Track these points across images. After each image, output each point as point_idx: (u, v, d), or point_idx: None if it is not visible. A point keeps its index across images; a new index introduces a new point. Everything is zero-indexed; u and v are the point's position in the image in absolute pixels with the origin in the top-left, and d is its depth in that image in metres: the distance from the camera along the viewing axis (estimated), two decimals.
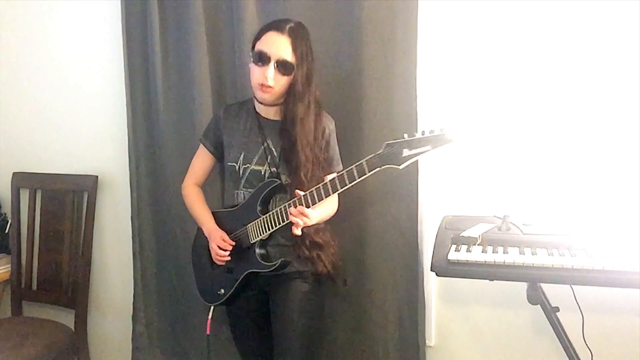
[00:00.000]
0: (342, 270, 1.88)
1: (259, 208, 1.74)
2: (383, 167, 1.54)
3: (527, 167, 1.92)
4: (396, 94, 1.94)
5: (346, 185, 1.58)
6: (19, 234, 2.49)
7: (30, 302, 2.51)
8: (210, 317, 1.87)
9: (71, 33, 2.42)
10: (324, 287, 1.83)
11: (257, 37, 1.72)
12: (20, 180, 2.51)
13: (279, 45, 1.66)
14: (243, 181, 1.79)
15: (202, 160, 1.95)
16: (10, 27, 2.52)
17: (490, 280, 1.57)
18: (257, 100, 1.79)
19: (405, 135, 1.52)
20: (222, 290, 1.82)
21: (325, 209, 1.76)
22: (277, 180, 1.73)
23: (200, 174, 1.96)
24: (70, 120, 2.48)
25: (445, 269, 1.55)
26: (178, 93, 2.19)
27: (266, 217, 1.71)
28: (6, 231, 2.52)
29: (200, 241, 1.90)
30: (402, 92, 1.94)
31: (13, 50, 2.53)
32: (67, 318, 2.39)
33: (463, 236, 1.64)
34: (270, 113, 1.79)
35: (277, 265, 1.71)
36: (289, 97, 1.71)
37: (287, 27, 1.68)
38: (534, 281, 1.61)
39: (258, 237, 1.74)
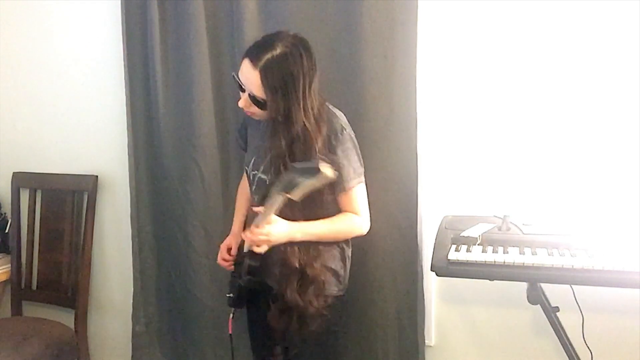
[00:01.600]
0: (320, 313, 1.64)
1: None
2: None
3: (527, 167, 1.92)
4: (396, 94, 1.94)
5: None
6: (19, 234, 2.49)
7: (30, 302, 2.51)
8: (231, 317, 1.77)
9: (71, 33, 2.42)
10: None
11: (244, 55, 1.58)
12: (20, 180, 2.51)
13: (249, 79, 1.54)
14: (254, 187, 1.74)
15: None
16: (10, 27, 2.52)
17: (490, 280, 1.57)
18: None
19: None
20: (230, 294, 1.77)
21: (326, 225, 1.62)
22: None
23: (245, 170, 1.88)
24: (70, 120, 2.48)
25: (445, 269, 1.55)
26: (178, 93, 2.19)
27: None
28: (6, 231, 2.52)
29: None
30: (402, 92, 1.93)
31: (13, 50, 2.53)
32: (67, 318, 2.39)
33: (463, 236, 1.64)
34: None
35: (229, 298, 1.66)
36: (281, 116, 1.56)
37: (265, 58, 1.50)
38: (534, 281, 1.62)
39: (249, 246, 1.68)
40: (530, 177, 1.92)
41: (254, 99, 1.57)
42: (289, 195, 1.40)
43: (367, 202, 1.70)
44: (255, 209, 1.55)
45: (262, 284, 1.70)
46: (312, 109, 1.56)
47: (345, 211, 1.66)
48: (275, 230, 1.54)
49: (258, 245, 1.56)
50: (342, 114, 1.70)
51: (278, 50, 1.51)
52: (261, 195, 1.61)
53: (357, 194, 1.67)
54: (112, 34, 2.30)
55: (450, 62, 1.96)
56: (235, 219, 1.92)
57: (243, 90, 1.59)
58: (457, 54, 1.95)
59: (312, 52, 1.56)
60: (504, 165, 1.95)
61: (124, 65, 2.26)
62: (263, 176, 1.68)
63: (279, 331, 1.64)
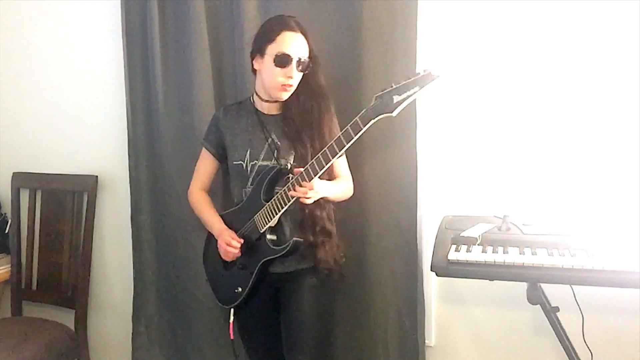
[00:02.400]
0: (343, 266, 1.85)
1: (263, 197, 1.74)
2: (377, 118, 1.57)
3: (527, 167, 1.92)
4: None
5: (344, 146, 1.60)
6: (19, 234, 2.49)
7: (30, 302, 2.51)
8: (232, 320, 1.85)
9: (71, 33, 2.42)
10: (332, 282, 1.83)
11: (269, 39, 1.71)
12: (20, 180, 2.51)
13: (298, 45, 1.71)
14: (251, 179, 1.79)
15: (205, 164, 1.94)
16: (10, 27, 2.52)
17: (490, 280, 1.57)
18: (259, 97, 1.80)
19: (392, 84, 1.55)
20: (240, 289, 1.82)
21: (339, 185, 1.80)
22: (275, 165, 1.74)
23: (205, 177, 1.95)
24: (70, 120, 2.48)
25: (445, 269, 1.55)
26: (178, 93, 2.19)
27: (270, 202, 1.71)
28: (6, 231, 2.52)
29: (211, 247, 1.90)
30: None
31: (13, 50, 2.53)
32: (67, 318, 2.39)
33: (463, 236, 1.64)
34: (271, 109, 1.81)
35: (289, 246, 1.70)
36: (303, 90, 1.76)
37: (294, 23, 1.72)
38: (534, 281, 1.61)
39: (266, 224, 1.74)
40: (530, 177, 1.92)
41: (302, 64, 1.71)
42: (389, 115, 1.55)
43: None
44: (297, 170, 1.66)
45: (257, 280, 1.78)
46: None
47: (339, 175, 1.83)
48: (320, 186, 1.67)
49: (308, 198, 1.64)
50: None
51: (292, 16, 1.75)
52: (268, 179, 1.74)
53: (345, 160, 1.85)
54: (112, 34, 2.30)
55: (451, 62, 1.96)
56: (213, 219, 1.88)
57: (287, 65, 1.70)
58: (457, 54, 1.95)
59: None
60: (503, 166, 1.95)
61: (124, 65, 2.26)
62: (265, 163, 1.77)
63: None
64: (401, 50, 1.92)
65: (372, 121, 1.57)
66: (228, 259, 1.82)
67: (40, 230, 2.47)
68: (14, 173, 2.52)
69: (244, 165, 1.79)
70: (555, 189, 1.89)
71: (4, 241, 2.52)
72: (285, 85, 1.71)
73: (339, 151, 1.60)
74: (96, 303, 2.54)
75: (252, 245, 1.78)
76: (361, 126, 1.58)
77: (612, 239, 1.57)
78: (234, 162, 1.82)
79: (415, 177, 1.96)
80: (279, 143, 1.77)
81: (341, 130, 1.62)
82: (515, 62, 1.90)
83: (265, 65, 1.72)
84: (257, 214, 1.75)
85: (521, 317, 2.00)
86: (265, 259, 1.76)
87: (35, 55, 2.49)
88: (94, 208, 2.38)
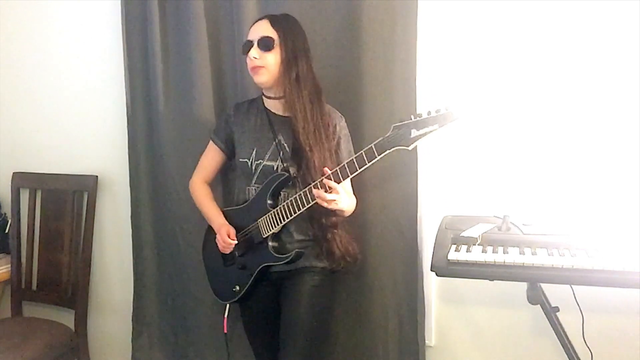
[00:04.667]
0: (356, 255, 1.83)
1: (269, 202, 1.75)
2: (392, 149, 1.55)
3: (527, 167, 1.92)
4: (396, 94, 1.94)
5: (357, 171, 1.59)
6: (19, 234, 2.49)
7: (30, 302, 2.52)
8: (226, 315, 1.87)
9: (71, 33, 2.42)
10: (334, 282, 1.85)
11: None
12: (20, 180, 2.51)
13: (258, 28, 1.75)
14: (255, 177, 1.80)
15: (211, 157, 1.95)
16: (10, 27, 2.52)
17: (490, 280, 1.57)
18: (264, 94, 1.83)
19: (412, 117, 1.54)
20: (237, 287, 1.83)
21: (351, 200, 1.77)
22: (285, 172, 1.74)
23: (209, 170, 1.97)
24: (70, 120, 2.48)
25: (445, 269, 1.55)
26: (178, 93, 2.19)
27: (278, 209, 1.72)
28: (6, 231, 2.52)
29: (210, 240, 1.91)
30: (402, 92, 1.93)
31: (13, 50, 2.53)
32: (67, 318, 2.39)
33: (463, 236, 1.64)
34: (280, 109, 1.80)
35: (291, 256, 1.71)
36: (287, 84, 1.73)
37: (267, 16, 1.76)
38: (534, 281, 1.62)
39: (270, 230, 1.74)
40: (530, 177, 1.92)
41: (264, 43, 1.71)
42: (405, 148, 1.53)
43: None
44: (325, 169, 1.63)
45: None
46: (313, 74, 1.76)
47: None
48: (343, 197, 1.64)
49: (326, 201, 1.61)
50: None
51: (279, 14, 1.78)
52: (272, 181, 1.74)
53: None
54: (112, 34, 2.30)
55: (450, 62, 1.96)
56: (213, 214, 1.90)
57: (249, 49, 1.73)
58: (457, 54, 1.95)
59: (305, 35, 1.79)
60: (503, 166, 1.95)
61: (124, 65, 2.26)
62: (270, 163, 1.77)
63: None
64: (401, 50, 1.92)
65: (387, 152, 1.56)
66: (225, 252, 1.84)
67: (40, 230, 2.47)
68: (14, 173, 2.52)
69: (249, 163, 1.79)
70: (555, 189, 1.89)
71: (4, 241, 2.52)
72: (253, 67, 1.73)
73: (351, 174, 1.60)
74: (96, 303, 2.54)
75: (253, 247, 1.79)
76: (376, 155, 1.57)
77: (612, 239, 1.57)
78: (240, 160, 1.82)
79: (415, 177, 1.96)
80: (285, 145, 1.77)
81: (355, 153, 1.62)
82: (515, 63, 1.90)
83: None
84: (262, 218, 1.76)
85: (521, 317, 2.00)
86: (265, 264, 1.77)
87: (35, 55, 2.49)
88: (94, 208, 2.38)
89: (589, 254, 1.49)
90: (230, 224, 1.84)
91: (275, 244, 1.77)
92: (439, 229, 1.76)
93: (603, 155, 1.84)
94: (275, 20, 1.74)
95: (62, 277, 2.41)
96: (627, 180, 1.81)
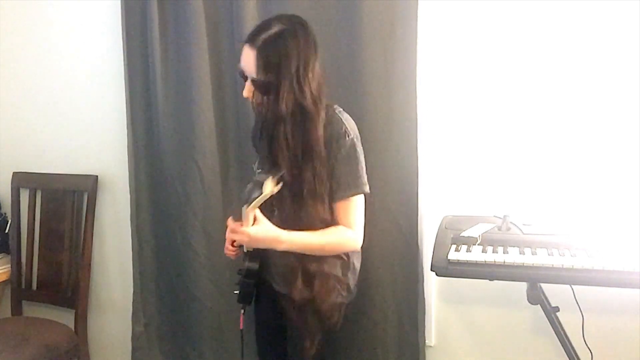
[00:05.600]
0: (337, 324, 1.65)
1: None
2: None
3: (527, 167, 1.92)
4: (396, 94, 1.94)
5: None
6: (19, 234, 2.49)
7: (30, 302, 2.51)
8: (242, 312, 1.73)
9: (71, 33, 2.42)
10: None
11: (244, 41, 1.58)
12: (20, 180, 2.51)
13: (248, 62, 1.51)
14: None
15: None
16: (10, 27, 2.51)
17: (490, 280, 1.57)
18: None
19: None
20: (236, 291, 1.76)
21: (322, 237, 1.56)
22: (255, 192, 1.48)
23: None
24: (70, 120, 2.48)
25: (445, 269, 1.56)
26: (178, 93, 2.19)
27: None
28: (6, 231, 2.52)
29: None
30: (402, 92, 1.93)
31: (13, 50, 2.53)
32: (67, 318, 2.39)
33: (463, 236, 1.64)
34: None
35: (237, 294, 1.65)
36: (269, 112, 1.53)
37: (261, 39, 1.49)
38: (534, 281, 1.62)
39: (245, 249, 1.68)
40: (530, 177, 1.92)
41: (256, 83, 1.52)
42: (246, 208, 1.42)
43: (363, 217, 1.64)
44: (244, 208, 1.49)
45: (258, 285, 1.68)
46: (310, 89, 1.49)
47: (339, 223, 1.59)
48: (256, 232, 1.50)
49: (234, 241, 1.55)
50: (354, 124, 1.63)
51: (274, 30, 1.49)
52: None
53: (353, 206, 1.61)
54: (112, 34, 2.30)
55: (450, 62, 1.96)
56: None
57: (246, 79, 1.55)
58: (457, 54, 1.95)
59: (309, 32, 1.53)
60: (504, 166, 1.95)
61: (124, 65, 2.26)
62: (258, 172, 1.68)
63: (301, 328, 1.62)
64: (401, 50, 1.92)
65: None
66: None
67: (40, 230, 2.47)
68: (14, 173, 2.52)
69: (254, 169, 1.74)
70: (555, 189, 1.89)
71: (4, 241, 2.52)
72: (250, 100, 1.57)
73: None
74: (96, 303, 2.54)
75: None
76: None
77: (612, 239, 1.57)
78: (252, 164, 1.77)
79: (415, 177, 1.96)
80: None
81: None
82: (515, 62, 1.90)
83: None
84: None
85: (521, 317, 2.00)
86: (240, 281, 1.68)
87: (35, 55, 2.49)
88: (94, 208, 2.38)
89: (589, 254, 1.50)
90: None
91: (251, 265, 1.64)
92: (439, 229, 1.76)
93: (603, 156, 1.84)
94: (262, 54, 1.48)
95: (62, 277, 2.41)
96: (627, 180, 1.81)
